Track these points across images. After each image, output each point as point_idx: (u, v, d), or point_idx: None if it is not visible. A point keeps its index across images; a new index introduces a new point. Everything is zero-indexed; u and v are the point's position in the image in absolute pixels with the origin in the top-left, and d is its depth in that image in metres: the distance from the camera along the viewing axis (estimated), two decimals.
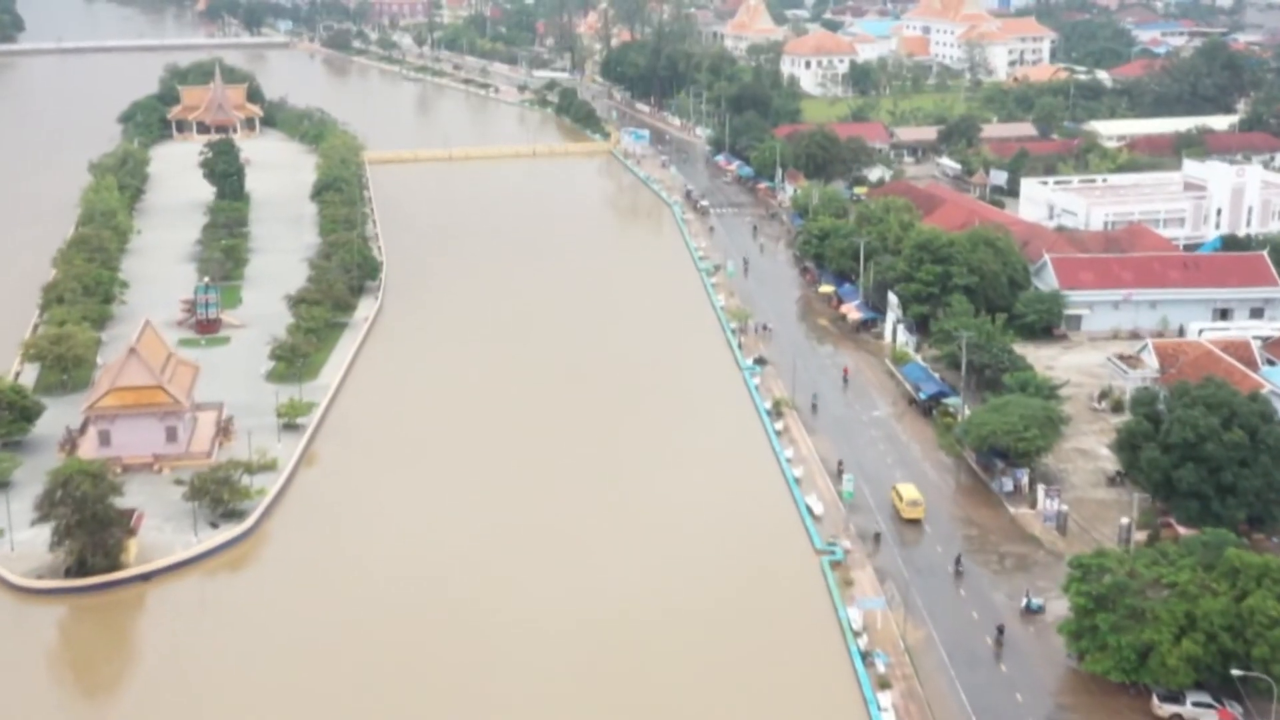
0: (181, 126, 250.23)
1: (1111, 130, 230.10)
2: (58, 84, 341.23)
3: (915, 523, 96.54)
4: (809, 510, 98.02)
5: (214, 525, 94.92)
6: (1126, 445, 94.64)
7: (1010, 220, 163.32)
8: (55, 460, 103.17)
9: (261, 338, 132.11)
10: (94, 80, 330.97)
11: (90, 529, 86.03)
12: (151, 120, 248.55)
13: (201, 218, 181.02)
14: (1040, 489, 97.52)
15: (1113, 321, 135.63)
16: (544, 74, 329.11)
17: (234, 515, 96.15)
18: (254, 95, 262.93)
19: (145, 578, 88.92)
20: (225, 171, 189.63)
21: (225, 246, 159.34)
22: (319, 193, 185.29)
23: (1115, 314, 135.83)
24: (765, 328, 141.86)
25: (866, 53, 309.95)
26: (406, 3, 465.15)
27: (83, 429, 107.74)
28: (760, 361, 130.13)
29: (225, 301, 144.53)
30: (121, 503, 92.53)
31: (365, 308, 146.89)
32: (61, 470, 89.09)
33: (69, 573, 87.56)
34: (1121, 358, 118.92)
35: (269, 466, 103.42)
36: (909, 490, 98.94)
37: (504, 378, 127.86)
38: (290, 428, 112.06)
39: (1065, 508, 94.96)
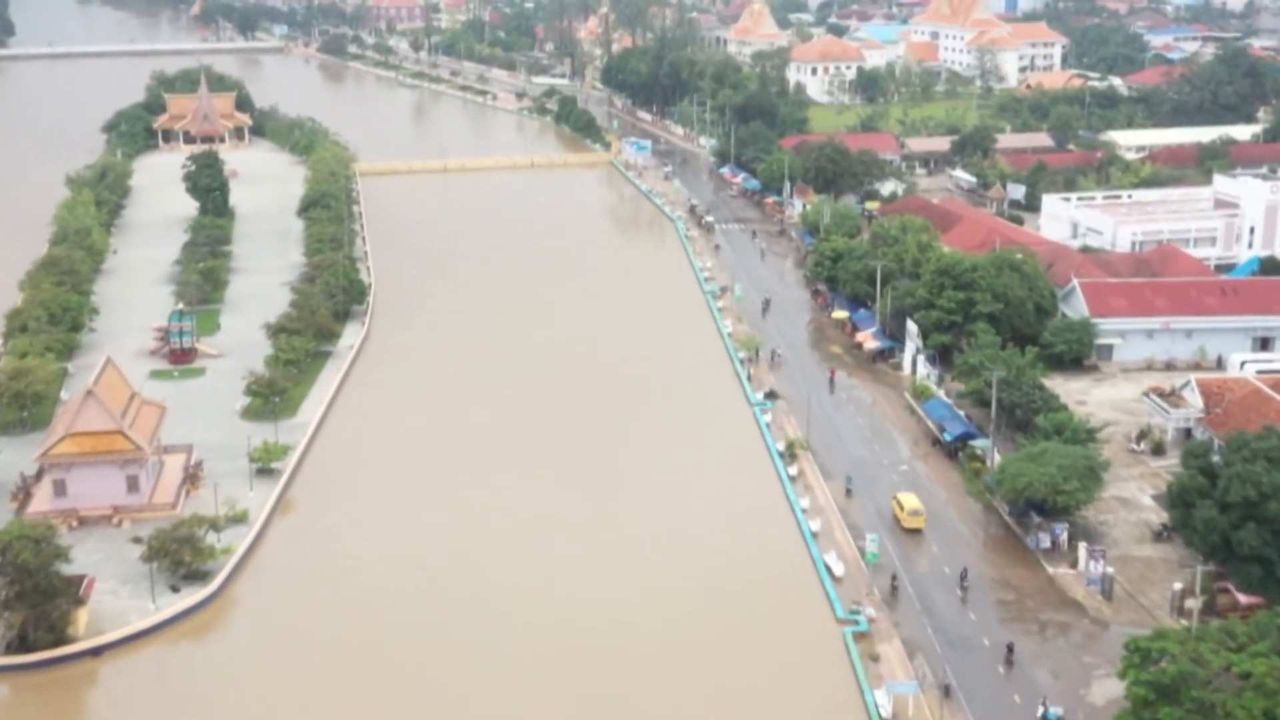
0: (168, 136, 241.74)
1: (1130, 141, 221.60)
2: (46, 90, 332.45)
3: (916, 532, 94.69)
4: (828, 570, 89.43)
5: (174, 589, 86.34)
6: (1179, 502, 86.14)
7: (1032, 239, 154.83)
8: (6, 512, 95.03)
9: (239, 369, 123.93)
10: (84, 86, 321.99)
11: (32, 601, 77.55)
12: (137, 130, 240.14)
13: (183, 235, 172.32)
14: (1081, 548, 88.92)
15: (1146, 351, 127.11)
16: (543, 80, 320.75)
17: (197, 576, 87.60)
18: (243, 103, 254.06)
19: (95, 652, 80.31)
20: (208, 186, 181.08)
21: (203, 269, 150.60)
22: (306, 209, 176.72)
23: (1149, 343, 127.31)
24: (776, 354, 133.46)
25: (874, 59, 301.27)
26: (404, 6, 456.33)
27: (37, 477, 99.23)
28: (771, 396, 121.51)
29: (202, 328, 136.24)
30: (75, 561, 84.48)
31: (351, 334, 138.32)
32: (0, 535, 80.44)
33: (10, 648, 78.94)
34: (1161, 395, 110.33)
35: (239, 519, 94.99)
36: (910, 499, 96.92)
37: (497, 412, 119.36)
38: (264, 472, 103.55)
39: (1110, 569, 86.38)
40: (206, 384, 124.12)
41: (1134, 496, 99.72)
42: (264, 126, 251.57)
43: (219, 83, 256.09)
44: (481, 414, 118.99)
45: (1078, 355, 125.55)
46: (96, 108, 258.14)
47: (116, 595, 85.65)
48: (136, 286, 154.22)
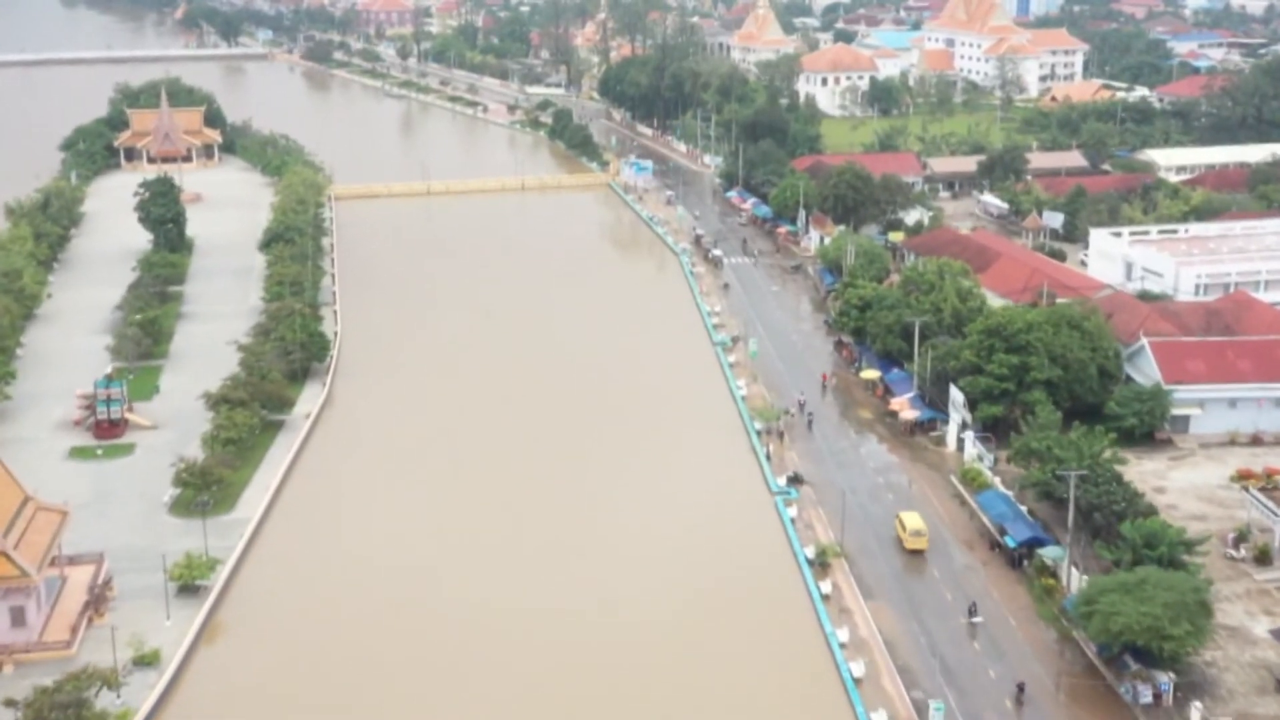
0: (131, 155, 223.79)
1: (1170, 160, 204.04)
2: (15, 101, 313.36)
3: (918, 553, 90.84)
4: None
5: None
6: None
7: (1083, 282, 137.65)
8: None
9: (174, 444, 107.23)
10: (56, 96, 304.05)
11: None
12: (96, 149, 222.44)
13: (134, 271, 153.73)
14: (1195, 711, 71.23)
15: (1229, 423, 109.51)
16: (537, 90, 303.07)
17: None
18: (214, 118, 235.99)
19: None
20: (161, 217, 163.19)
21: (143, 320, 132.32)
22: (268, 244, 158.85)
23: (1232, 414, 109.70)
24: (790, 414, 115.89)
25: (887, 68, 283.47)
26: (395, 10, 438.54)
27: None
28: (795, 481, 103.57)
29: (139, 390, 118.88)
30: None
31: (309, 399, 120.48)
32: None
33: None
34: (1261, 488, 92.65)
35: (148, 661, 77.26)
36: (912, 519, 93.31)
37: (476, 502, 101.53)
38: (189, 590, 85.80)
39: None
40: (134, 465, 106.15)
41: (1243, 624, 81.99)
42: (235, 143, 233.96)
43: (188, 96, 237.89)
44: (455, 503, 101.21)
45: (1149, 428, 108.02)
46: (64, 121, 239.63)
47: None
48: (71, 336, 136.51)
